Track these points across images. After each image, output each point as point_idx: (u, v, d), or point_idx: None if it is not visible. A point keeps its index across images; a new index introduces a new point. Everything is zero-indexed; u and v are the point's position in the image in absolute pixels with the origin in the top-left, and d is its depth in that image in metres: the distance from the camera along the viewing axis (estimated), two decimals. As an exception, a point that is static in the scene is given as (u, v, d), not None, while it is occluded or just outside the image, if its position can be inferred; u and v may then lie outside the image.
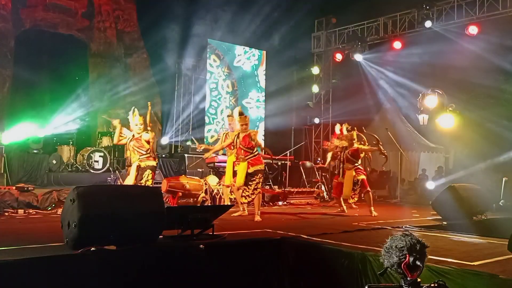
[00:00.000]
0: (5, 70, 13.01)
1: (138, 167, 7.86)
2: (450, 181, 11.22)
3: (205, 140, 15.47)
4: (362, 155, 9.57)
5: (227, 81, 16.34)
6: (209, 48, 15.88)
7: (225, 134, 9.52)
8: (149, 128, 8.12)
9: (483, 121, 12.60)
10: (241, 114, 8.39)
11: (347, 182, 9.30)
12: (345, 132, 9.65)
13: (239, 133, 8.29)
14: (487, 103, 12.57)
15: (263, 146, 8.94)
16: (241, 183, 8.03)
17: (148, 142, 7.90)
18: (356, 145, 9.39)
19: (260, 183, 8.31)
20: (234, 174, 8.39)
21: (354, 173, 9.27)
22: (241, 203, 8.30)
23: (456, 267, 4.36)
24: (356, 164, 9.38)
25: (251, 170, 8.04)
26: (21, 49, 13.02)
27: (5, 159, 10.46)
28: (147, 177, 7.89)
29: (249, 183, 8.05)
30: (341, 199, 9.55)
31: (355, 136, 9.47)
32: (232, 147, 8.57)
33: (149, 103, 8.54)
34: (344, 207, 9.60)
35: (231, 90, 16.59)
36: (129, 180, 7.81)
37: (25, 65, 12.65)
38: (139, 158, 7.89)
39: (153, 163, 8.00)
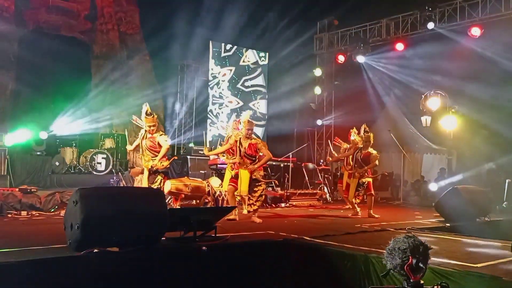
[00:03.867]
0: (8, 72, 13.06)
1: (150, 170, 7.76)
2: (453, 183, 11.20)
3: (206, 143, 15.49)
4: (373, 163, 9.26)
5: (231, 84, 16.46)
6: (214, 51, 16.00)
7: (229, 137, 9.40)
8: (163, 133, 8.12)
9: (486, 123, 12.58)
10: (249, 119, 8.14)
11: (352, 186, 9.31)
12: (362, 133, 9.43)
13: (240, 139, 7.98)
14: (490, 105, 12.53)
15: (272, 157, 8.72)
16: (245, 191, 7.82)
17: (160, 145, 7.82)
18: (370, 150, 9.25)
19: (264, 190, 8.24)
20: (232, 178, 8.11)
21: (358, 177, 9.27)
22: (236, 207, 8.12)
23: (459, 269, 4.35)
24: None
25: (255, 175, 7.91)
26: (24, 51, 13.06)
27: (8, 161, 10.47)
28: (159, 183, 7.83)
29: (254, 189, 7.90)
30: (353, 201, 9.40)
31: (371, 139, 9.32)
32: (231, 153, 8.27)
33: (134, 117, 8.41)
34: (358, 209, 9.37)
35: (235, 92, 16.70)
36: (143, 185, 7.68)
37: (28, 67, 12.69)
38: (151, 159, 7.78)
39: (165, 163, 7.92)
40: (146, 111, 7.87)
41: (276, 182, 12.18)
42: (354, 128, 10.05)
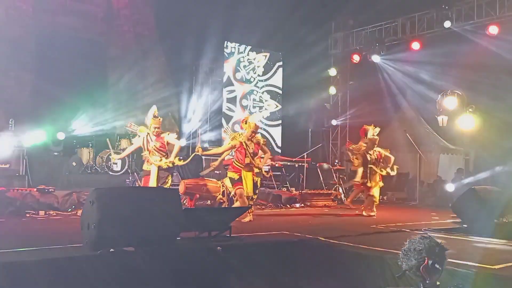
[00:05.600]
0: (26, 74, 13.24)
1: (159, 168, 7.82)
2: (470, 183, 11.05)
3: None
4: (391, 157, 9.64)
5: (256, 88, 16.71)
6: (236, 53, 16.21)
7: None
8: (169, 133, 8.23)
9: (504, 122, 12.37)
10: (257, 123, 8.31)
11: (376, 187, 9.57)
12: (370, 135, 9.65)
13: (245, 141, 7.94)
14: (509, 104, 12.34)
15: (270, 155, 9.08)
16: (251, 192, 7.95)
17: (168, 144, 7.91)
18: (377, 149, 9.53)
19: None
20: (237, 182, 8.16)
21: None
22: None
23: (476, 270, 4.29)
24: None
25: (256, 179, 8.11)
26: (42, 53, 13.22)
27: (27, 161, 10.61)
28: (167, 183, 7.93)
29: (253, 195, 8.07)
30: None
31: (376, 142, 9.62)
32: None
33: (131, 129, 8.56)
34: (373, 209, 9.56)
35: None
36: (151, 184, 7.79)
37: (46, 69, 12.83)
38: (160, 159, 7.83)
39: (179, 162, 8.05)
40: (154, 113, 7.99)
41: (275, 184, 12.29)
42: (372, 125, 10.06)
